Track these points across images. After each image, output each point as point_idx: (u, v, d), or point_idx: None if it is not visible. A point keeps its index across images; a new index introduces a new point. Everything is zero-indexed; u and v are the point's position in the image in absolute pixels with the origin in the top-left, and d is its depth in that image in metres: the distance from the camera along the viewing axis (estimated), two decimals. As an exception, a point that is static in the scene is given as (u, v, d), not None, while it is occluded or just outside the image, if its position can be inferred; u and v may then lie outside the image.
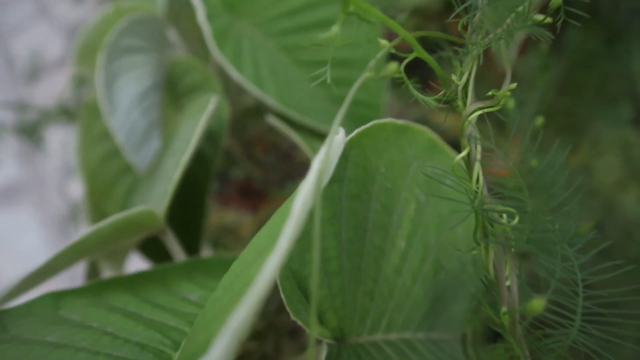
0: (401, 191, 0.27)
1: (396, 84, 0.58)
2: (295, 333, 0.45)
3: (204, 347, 0.15)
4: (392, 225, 0.27)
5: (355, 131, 0.26)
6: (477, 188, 0.22)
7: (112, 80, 0.40)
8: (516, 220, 0.20)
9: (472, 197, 0.22)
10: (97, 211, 0.46)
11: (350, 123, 0.46)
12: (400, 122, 0.27)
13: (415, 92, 0.21)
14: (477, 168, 0.22)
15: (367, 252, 0.26)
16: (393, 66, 0.19)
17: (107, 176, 0.45)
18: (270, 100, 0.40)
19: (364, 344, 0.25)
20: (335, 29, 0.18)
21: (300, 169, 0.57)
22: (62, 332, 0.23)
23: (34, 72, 0.88)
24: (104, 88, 0.40)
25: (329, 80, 0.23)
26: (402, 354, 0.26)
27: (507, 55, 0.24)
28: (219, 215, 0.72)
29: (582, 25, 0.27)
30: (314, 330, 0.17)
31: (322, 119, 0.44)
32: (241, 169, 0.61)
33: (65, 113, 0.83)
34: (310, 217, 0.21)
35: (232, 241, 0.72)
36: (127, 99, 0.41)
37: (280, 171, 0.59)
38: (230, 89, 0.49)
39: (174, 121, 0.43)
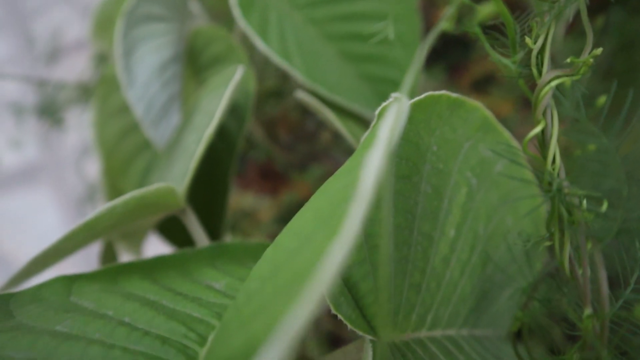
0: (452, 173, 0.24)
1: (428, 64, 0.54)
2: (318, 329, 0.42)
3: (246, 353, 0.12)
4: (442, 211, 0.23)
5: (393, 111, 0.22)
6: (554, 169, 0.18)
7: (131, 50, 0.37)
8: (605, 206, 0.17)
9: (546, 179, 0.19)
10: (114, 190, 0.43)
11: (377, 101, 0.43)
12: (454, 95, 0.24)
13: (494, 54, 0.18)
14: (553, 145, 0.18)
15: (416, 240, 0.22)
16: (486, 9, 0.15)
17: (124, 153, 0.42)
18: (298, 75, 0.37)
19: (408, 342, 0.22)
20: None
21: (324, 150, 0.53)
22: (74, 321, 0.20)
23: (54, 54, 0.86)
24: (122, 57, 0.36)
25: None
26: (447, 353, 0.23)
27: (586, 17, 0.20)
28: (237, 198, 0.70)
29: (627, 6, 0.24)
30: (384, 325, 0.14)
31: (352, 97, 0.41)
32: (261, 150, 0.57)
33: (86, 92, 0.80)
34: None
35: (250, 226, 0.69)
36: (146, 70, 0.38)
37: (303, 153, 0.55)
38: (252, 67, 0.45)
39: (195, 95, 0.40)
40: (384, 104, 0.20)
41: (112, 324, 0.19)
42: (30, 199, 1.27)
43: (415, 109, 0.22)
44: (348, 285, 0.20)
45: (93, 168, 1.28)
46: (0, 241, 1.23)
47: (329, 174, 0.56)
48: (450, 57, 0.49)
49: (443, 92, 0.23)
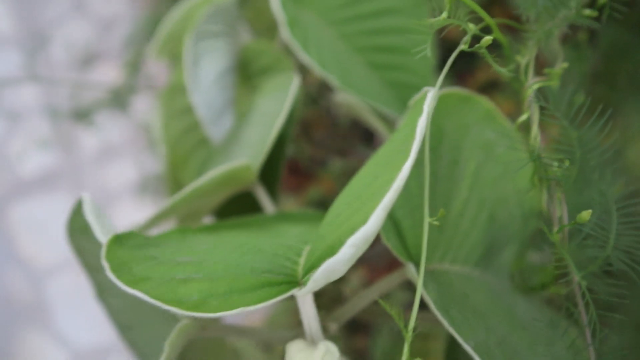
0: (464, 149, 0.34)
1: (439, 69, 0.64)
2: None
3: (349, 233, 0.22)
4: (457, 176, 0.33)
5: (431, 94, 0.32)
6: (535, 142, 0.28)
7: (197, 61, 0.47)
8: (567, 162, 0.26)
9: (530, 148, 0.28)
10: (175, 180, 0.52)
11: (399, 103, 0.52)
12: (463, 92, 0.33)
13: (496, 66, 0.27)
14: (535, 127, 0.28)
15: (439, 195, 0.32)
16: (488, 39, 0.25)
17: (185, 149, 0.51)
18: (334, 81, 0.46)
19: (434, 270, 0.32)
20: (444, 14, 0.24)
21: (352, 147, 0.63)
22: (196, 255, 0.29)
23: (79, 64, 0.95)
24: (190, 67, 0.46)
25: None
26: (466, 281, 0.32)
27: (557, 40, 0.30)
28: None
29: (617, 17, 0.33)
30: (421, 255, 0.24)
31: (377, 99, 0.51)
32: (291, 148, 0.67)
33: (117, 97, 0.90)
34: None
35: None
36: (207, 78, 0.48)
37: (332, 149, 0.65)
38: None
39: (249, 100, 0.50)
40: (416, 96, 0.30)
41: (228, 249, 0.28)
42: (50, 204, 1.34)
43: (437, 100, 0.31)
44: (394, 223, 0.29)
45: (111, 172, 1.37)
46: (21, 246, 1.30)
47: (355, 169, 0.65)
48: (458, 66, 0.59)
49: (455, 89, 0.33)
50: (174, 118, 0.51)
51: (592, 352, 0.29)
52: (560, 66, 0.30)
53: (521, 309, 0.37)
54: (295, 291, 0.25)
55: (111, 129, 1.39)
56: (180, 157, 0.52)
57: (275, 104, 0.40)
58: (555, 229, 0.27)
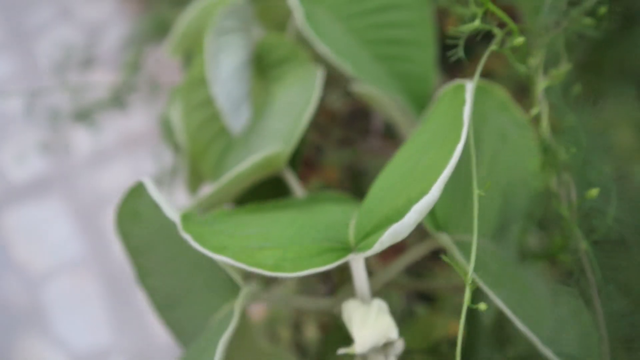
0: (483, 136, 0.37)
1: (442, 60, 0.67)
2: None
3: (411, 201, 0.25)
4: (478, 160, 0.36)
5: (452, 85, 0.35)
6: (546, 132, 0.32)
7: (216, 55, 0.50)
8: (573, 149, 0.30)
9: (540, 138, 0.32)
10: (194, 170, 0.55)
11: (403, 92, 0.56)
12: (482, 82, 0.37)
13: (520, 66, 0.31)
14: (545, 119, 0.32)
15: (462, 173, 0.35)
16: (520, 39, 0.28)
17: (204, 139, 0.54)
18: (349, 69, 0.49)
19: (460, 240, 0.35)
20: (477, 22, 0.28)
21: (361, 136, 0.66)
22: (260, 229, 0.31)
23: (61, 72, 0.95)
24: (211, 60, 0.49)
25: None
26: (484, 251, 0.36)
27: (563, 46, 0.34)
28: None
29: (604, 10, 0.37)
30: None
31: (385, 87, 0.54)
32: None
33: (117, 100, 0.91)
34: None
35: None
36: (226, 70, 0.51)
37: (331, 141, 0.68)
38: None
39: (264, 92, 0.53)
40: (448, 84, 0.33)
41: (284, 223, 0.31)
42: (43, 211, 1.34)
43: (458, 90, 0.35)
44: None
45: (104, 177, 1.37)
46: (16, 253, 1.30)
47: (358, 160, 0.68)
48: (451, 59, 0.63)
49: (475, 80, 0.36)
50: (193, 110, 0.54)
51: (598, 305, 0.33)
52: (565, 67, 0.34)
53: (529, 278, 0.41)
54: (351, 256, 0.28)
55: (104, 132, 1.40)
56: (200, 147, 0.54)
57: (300, 94, 0.43)
58: (564, 205, 0.31)
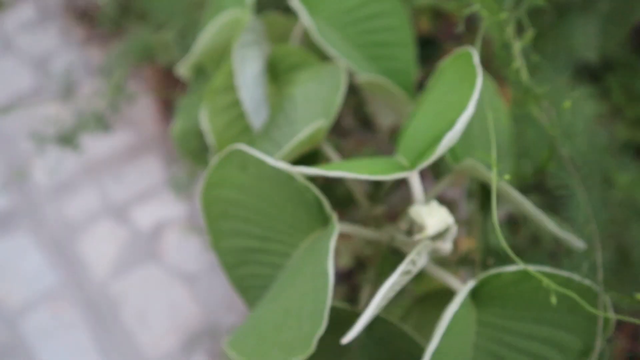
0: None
1: (420, 56, 0.80)
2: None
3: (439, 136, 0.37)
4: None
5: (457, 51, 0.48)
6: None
7: (242, 64, 0.60)
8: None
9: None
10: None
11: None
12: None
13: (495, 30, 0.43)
14: (524, 68, 0.45)
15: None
16: (529, 35, 0.41)
17: (229, 137, 0.64)
18: (353, 65, 0.60)
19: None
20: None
21: (355, 128, 0.78)
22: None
23: (9, 107, 0.98)
24: (238, 69, 0.59)
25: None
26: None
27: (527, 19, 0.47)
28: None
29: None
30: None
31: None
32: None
33: (100, 122, 0.97)
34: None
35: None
36: (250, 77, 0.61)
37: (332, 132, 0.79)
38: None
39: (278, 95, 0.63)
40: (445, 59, 0.45)
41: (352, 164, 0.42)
42: (11, 246, 1.33)
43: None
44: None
45: (69, 205, 1.38)
46: (-11, 289, 1.28)
47: (357, 151, 0.80)
48: (426, 53, 0.76)
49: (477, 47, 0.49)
50: (219, 113, 0.63)
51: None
52: (530, 33, 0.47)
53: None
54: (407, 173, 0.42)
55: (65, 162, 1.41)
56: (226, 145, 0.63)
57: (323, 85, 0.54)
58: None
